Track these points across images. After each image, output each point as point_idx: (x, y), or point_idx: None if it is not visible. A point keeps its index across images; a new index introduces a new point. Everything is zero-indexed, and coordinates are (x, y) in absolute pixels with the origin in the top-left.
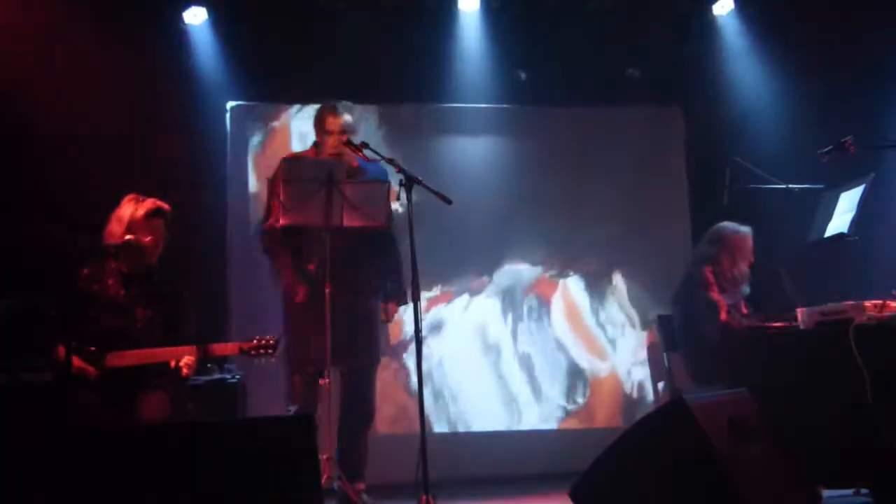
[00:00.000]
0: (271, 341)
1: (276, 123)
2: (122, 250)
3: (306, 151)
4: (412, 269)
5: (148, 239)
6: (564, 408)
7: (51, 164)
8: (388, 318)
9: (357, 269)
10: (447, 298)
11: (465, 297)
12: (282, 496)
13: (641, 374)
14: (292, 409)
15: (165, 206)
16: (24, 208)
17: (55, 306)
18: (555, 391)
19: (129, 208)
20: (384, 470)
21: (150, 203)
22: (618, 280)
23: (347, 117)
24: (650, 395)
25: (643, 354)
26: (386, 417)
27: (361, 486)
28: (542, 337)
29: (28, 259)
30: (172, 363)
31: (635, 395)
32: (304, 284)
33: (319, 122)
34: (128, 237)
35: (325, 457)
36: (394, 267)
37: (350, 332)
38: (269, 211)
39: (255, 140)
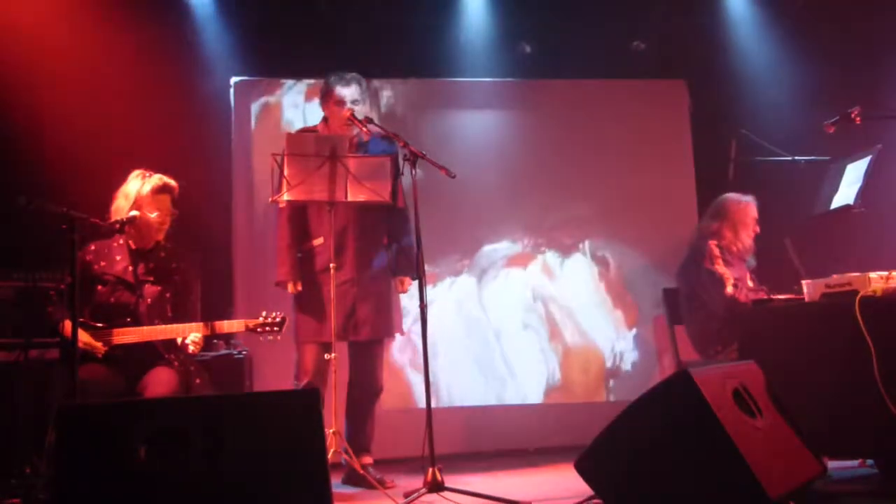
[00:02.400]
0: (277, 318)
1: (280, 98)
2: (128, 226)
3: (316, 126)
4: (417, 244)
5: (155, 214)
6: (555, 382)
7: (53, 140)
8: (404, 290)
9: (365, 244)
10: (454, 268)
11: (472, 267)
12: (288, 470)
13: (638, 347)
14: (300, 384)
15: (172, 181)
16: (27, 186)
17: (62, 283)
18: (544, 366)
19: (136, 184)
20: (388, 444)
21: (156, 179)
22: (624, 253)
23: (355, 88)
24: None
25: (645, 326)
26: (389, 393)
27: (368, 459)
28: (534, 312)
29: (32, 237)
30: (179, 340)
31: (627, 369)
32: (296, 281)
33: (327, 95)
34: (134, 213)
35: (331, 430)
36: (406, 242)
37: (359, 307)
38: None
39: (260, 115)
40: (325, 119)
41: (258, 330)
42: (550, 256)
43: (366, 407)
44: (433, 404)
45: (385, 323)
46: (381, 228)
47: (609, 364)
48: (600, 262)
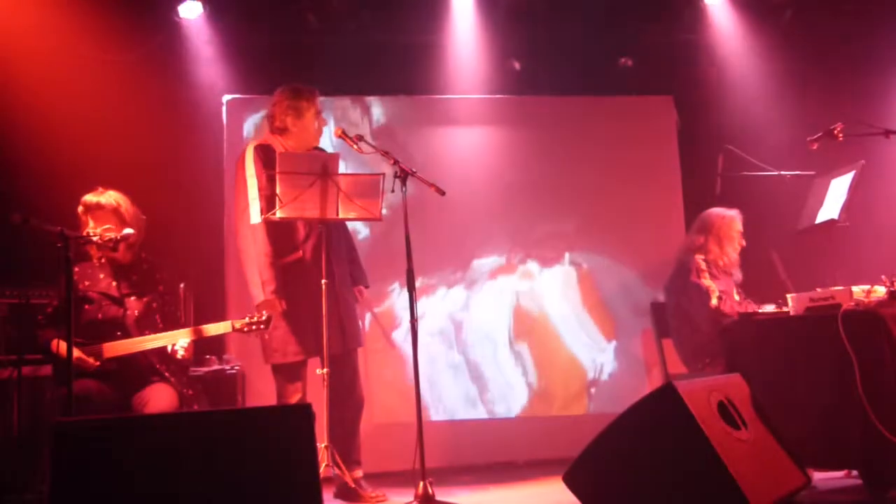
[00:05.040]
0: (263, 317)
1: None
2: (88, 245)
3: (265, 141)
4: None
5: (98, 232)
6: (543, 395)
7: (44, 160)
8: (360, 301)
9: (337, 257)
10: (445, 280)
11: (460, 280)
12: (281, 485)
13: (625, 360)
14: (290, 402)
15: (103, 198)
16: (18, 205)
17: (54, 299)
18: (532, 379)
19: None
20: (380, 458)
21: (86, 197)
22: (612, 268)
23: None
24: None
25: (634, 339)
26: (381, 406)
27: (359, 473)
28: (521, 325)
29: (25, 255)
30: (168, 347)
31: (614, 382)
32: (282, 299)
33: (300, 107)
34: (128, 230)
35: (322, 445)
36: (354, 253)
37: (337, 319)
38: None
39: (251, 133)
40: (280, 131)
41: (245, 329)
42: (538, 270)
43: (354, 419)
44: (426, 418)
45: (358, 334)
46: (343, 241)
47: (596, 376)
48: (588, 276)
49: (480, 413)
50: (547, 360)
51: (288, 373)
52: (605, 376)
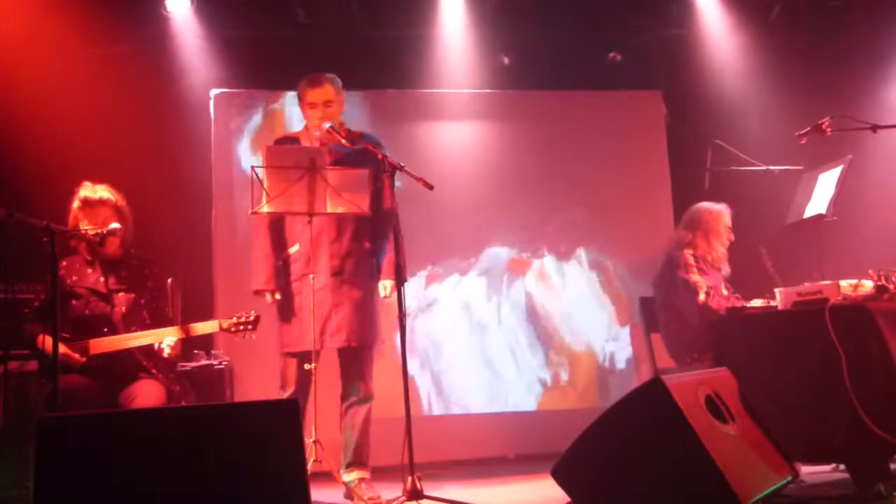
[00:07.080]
0: (251, 317)
1: (259, 110)
2: (76, 240)
3: (297, 133)
4: (396, 255)
5: (91, 227)
6: (543, 388)
7: (30, 154)
8: (388, 295)
9: (339, 250)
10: (437, 278)
11: (454, 277)
12: (268, 480)
13: (617, 355)
14: (284, 394)
15: (100, 193)
16: (4, 199)
17: (41, 294)
18: (535, 372)
19: (74, 200)
20: (374, 452)
21: (84, 192)
22: (601, 263)
23: (329, 87)
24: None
25: (623, 338)
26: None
27: (359, 475)
28: (524, 319)
29: (10, 249)
30: (156, 345)
31: (612, 376)
32: (274, 290)
33: (300, 99)
34: (115, 225)
35: (311, 440)
36: (382, 244)
37: (334, 314)
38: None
39: (239, 127)
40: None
41: (233, 329)
42: (523, 261)
43: (359, 416)
44: (426, 412)
45: (362, 329)
46: (361, 232)
47: (590, 371)
48: (576, 270)
49: (471, 408)
50: (538, 354)
51: (285, 364)
52: (595, 372)
